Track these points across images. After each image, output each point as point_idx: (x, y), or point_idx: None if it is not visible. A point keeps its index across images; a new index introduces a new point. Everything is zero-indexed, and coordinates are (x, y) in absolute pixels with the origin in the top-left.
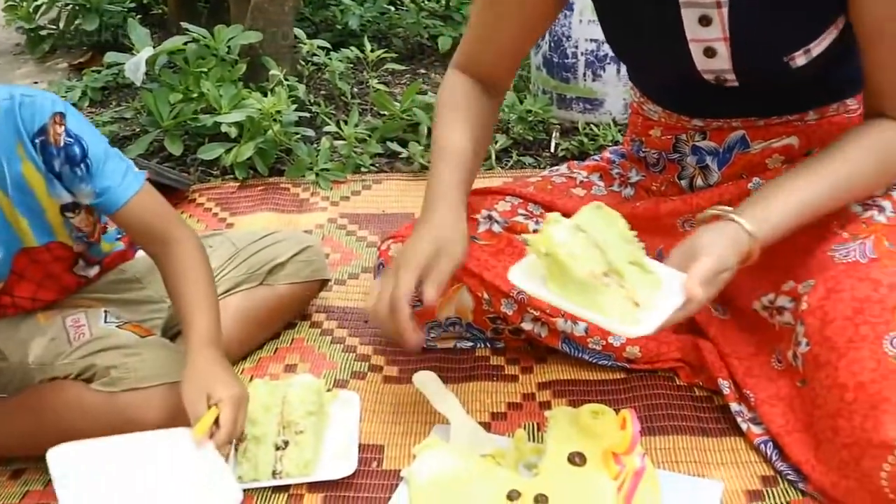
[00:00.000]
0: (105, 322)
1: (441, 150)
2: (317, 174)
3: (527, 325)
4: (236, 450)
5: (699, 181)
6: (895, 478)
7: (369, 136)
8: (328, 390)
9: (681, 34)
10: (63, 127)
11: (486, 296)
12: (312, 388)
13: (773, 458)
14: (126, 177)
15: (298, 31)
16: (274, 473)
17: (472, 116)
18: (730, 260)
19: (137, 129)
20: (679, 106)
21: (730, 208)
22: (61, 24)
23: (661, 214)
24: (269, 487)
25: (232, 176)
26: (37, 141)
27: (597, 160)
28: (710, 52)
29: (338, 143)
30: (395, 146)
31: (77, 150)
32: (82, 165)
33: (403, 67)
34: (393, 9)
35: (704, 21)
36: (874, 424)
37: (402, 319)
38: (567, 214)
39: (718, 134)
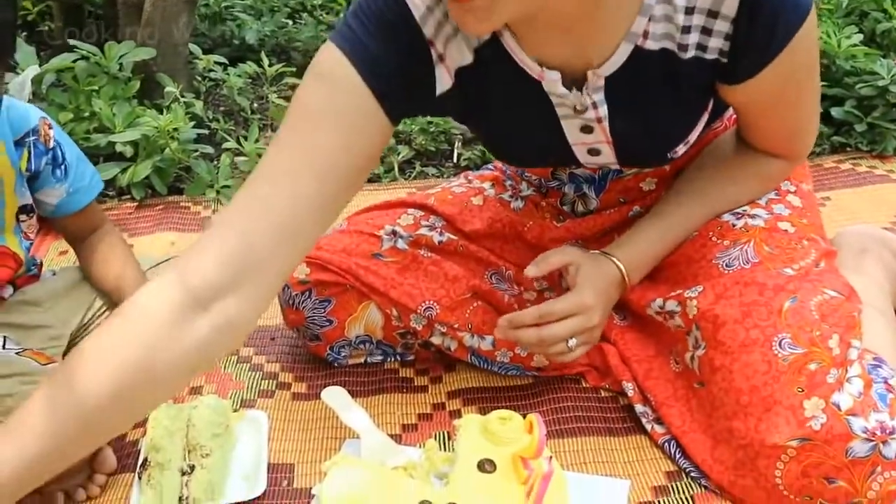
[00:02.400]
0: (4, 348)
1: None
2: (217, 192)
3: (436, 340)
4: (140, 478)
5: (580, 207)
6: (789, 476)
7: None
8: (235, 410)
9: (563, 139)
10: (52, 130)
11: (394, 312)
12: (218, 410)
13: (676, 456)
14: (93, 179)
15: (194, 47)
16: (181, 500)
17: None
18: (600, 299)
19: None
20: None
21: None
22: None
23: (545, 242)
24: None
25: (129, 196)
26: (29, 140)
27: (491, 169)
28: (594, 152)
29: (238, 159)
30: None
31: (60, 152)
32: (63, 167)
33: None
34: (291, 23)
35: (586, 129)
36: (767, 426)
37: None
38: (466, 229)
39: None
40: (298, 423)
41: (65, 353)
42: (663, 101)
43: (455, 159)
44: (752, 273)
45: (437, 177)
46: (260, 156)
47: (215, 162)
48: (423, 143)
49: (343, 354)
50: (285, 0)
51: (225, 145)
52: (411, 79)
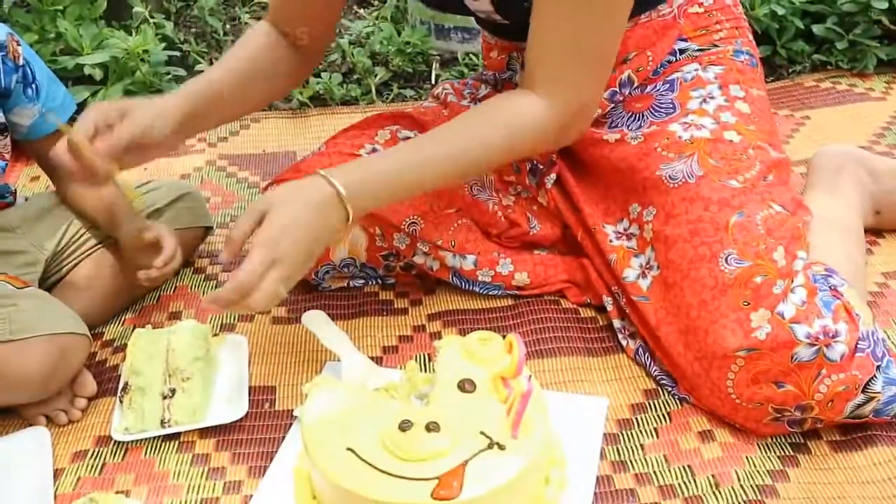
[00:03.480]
0: None
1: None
2: None
3: (419, 259)
4: (121, 402)
5: None
6: (740, 385)
7: None
8: (215, 335)
9: None
10: (21, 46)
11: (378, 231)
12: (198, 334)
13: (649, 364)
14: (65, 100)
15: None
16: (162, 423)
17: (246, 58)
18: (277, 195)
19: None
20: (499, 33)
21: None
22: None
23: None
24: (159, 437)
25: None
26: None
27: (455, 82)
28: None
29: None
30: None
31: (30, 70)
32: (34, 85)
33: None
34: None
35: None
36: (715, 339)
37: (85, 154)
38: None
39: None
40: (279, 347)
41: (40, 280)
42: None
43: (433, 80)
44: (696, 187)
45: (415, 99)
46: None
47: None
48: (401, 64)
49: (326, 278)
50: None
51: (197, 67)
52: None
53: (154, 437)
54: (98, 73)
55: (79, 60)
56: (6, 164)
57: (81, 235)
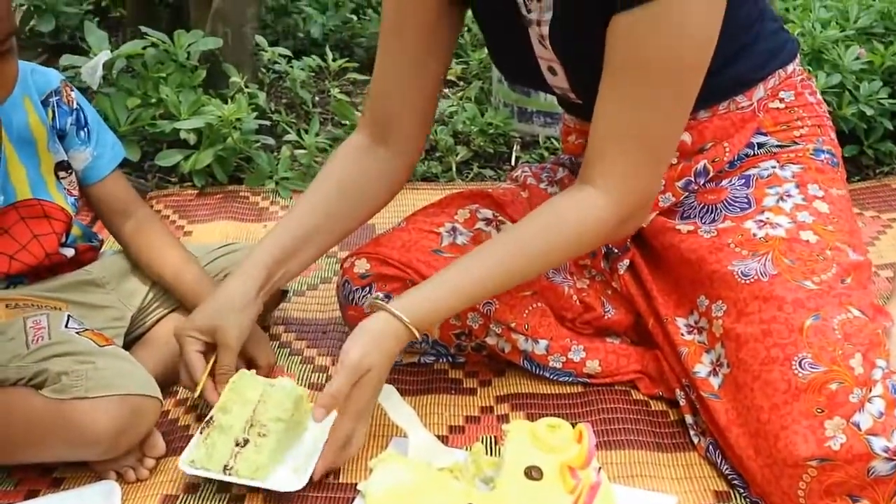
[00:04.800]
0: (66, 327)
1: (282, 217)
2: (276, 183)
3: (491, 340)
4: (201, 433)
5: None
6: (813, 495)
7: (330, 146)
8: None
9: (532, 53)
10: (73, 92)
11: None
12: (290, 395)
13: (720, 463)
14: (115, 147)
15: (260, 39)
16: (225, 468)
17: (332, 186)
18: (371, 357)
19: None
20: (576, 112)
21: (381, 301)
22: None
23: None
24: (215, 482)
25: (190, 183)
26: (52, 99)
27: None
28: (552, 71)
29: (298, 152)
30: None
31: (82, 115)
32: (86, 129)
33: (365, 77)
34: (355, 18)
35: (543, 42)
36: (786, 444)
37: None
38: (517, 219)
39: None
40: None
41: (126, 335)
42: (586, 26)
43: (513, 162)
44: (770, 286)
45: (494, 179)
46: (319, 149)
47: (275, 153)
48: (482, 144)
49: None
50: None
51: (286, 137)
52: None
53: (211, 480)
54: (192, 138)
55: (175, 125)
56: (76, 199)
57: (164, 293)
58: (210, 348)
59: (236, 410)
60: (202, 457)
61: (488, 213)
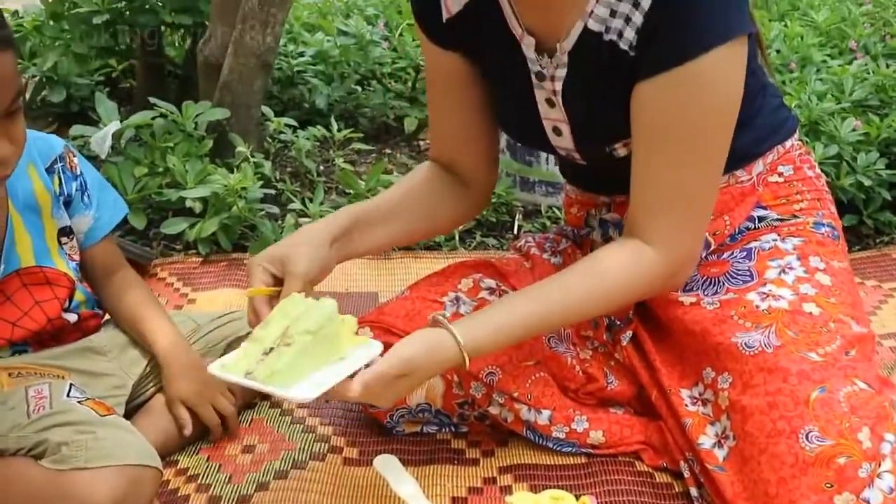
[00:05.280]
0: (67, 396)
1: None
2: None
3: (493, 410)
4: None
5: None
6: None
7: (334, 210)
8: (357, 333)
9: (536, 113)
10: (76, 158)
11: (456, 379)
12: (325, 313)
13: None
14: (115, 205)
15: (266, 109)
16: (246, 374)
17: (402, 189)
18: (419, 361)
19: None
20: (576, 181)
21: (443, 316)
22: (27, 96)
23: None
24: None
25: (195, 251)
26: (57, 166)
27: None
28: (557, 132)
29: (303, 220)
30: None
31: (85, 180)
32: (88, 194)
33: (369, 147)
34: (360, 89)
35: (550, 103)
36: None
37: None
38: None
39: (622, 207)
40: (348, 489)
41: (127, 403)
42: (600, 87)
43: (515, 231)
44: (774, 357)
45: (497, 248)
46: (322, 216)
47: (280, 222)
48: (485, 213)
49: (401, 422)
50: (356, 67)
51: (290, 206)
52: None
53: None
54: (198, 206)
55: (182, 193)
56: (77, 264)
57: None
58: (279, 284)
59: (274, 324)
60: (231, 363)
61: (492, 282)
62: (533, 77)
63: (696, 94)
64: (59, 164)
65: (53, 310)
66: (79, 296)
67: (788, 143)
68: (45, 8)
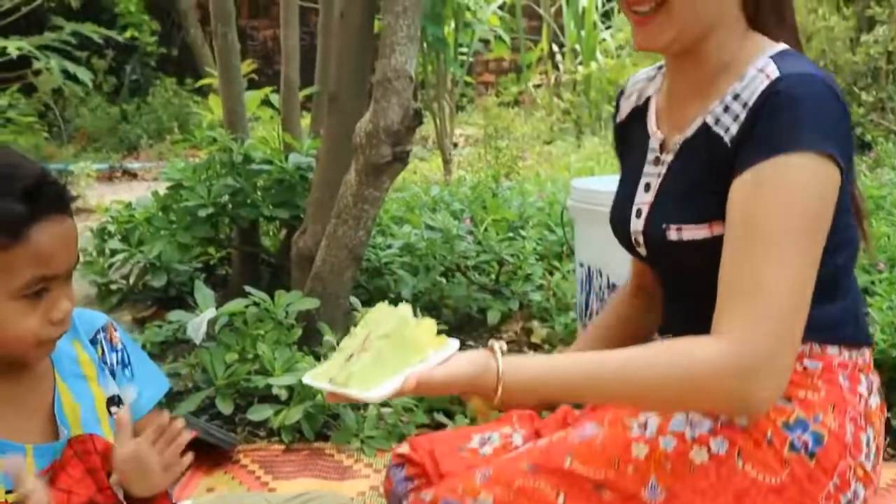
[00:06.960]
0: None
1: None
2: (362, 441)
3: None
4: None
5: None
6: None
7: (416, 406)
8: (438, 334)
9: (633, 196)
10: (118, 332)
11: None
12: (399, 316)
13: None
14: (158, 378)
15: (353, 299)
16: (330, 381)
17: (609, 312)
18: (455, 379)
19: (190, 385)
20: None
21: (499, 344)
22: (131, 280)
23: None
24: None
25: (278, 438)
26: (99, 336)
27: None
28: (638, 213)
29: (384, 410)
30: (441, 417)
31: (126, 354)
32: (130, 367)
33: (452, 338)
34: (444, 280)
35: (647, 188)
36: None
37: None
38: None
39: None
40: None
41: None
42: (694, 174)
43: None
44: None
45: None
46: (405, 409)
47: (362, 411)
48: None
49: None
50: (441, 259)
51: None
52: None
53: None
54: (284, 394)
55: (269, 381)
56: None
57: None
58: None
59: (359, 332)
60: (318, 372)
61: (524, 432)
62: (647, 165)
63: (781, 190)
64: (101, 335)
65: (101, 480)
66: None
67: (833, 351)
68: (155, 201)
